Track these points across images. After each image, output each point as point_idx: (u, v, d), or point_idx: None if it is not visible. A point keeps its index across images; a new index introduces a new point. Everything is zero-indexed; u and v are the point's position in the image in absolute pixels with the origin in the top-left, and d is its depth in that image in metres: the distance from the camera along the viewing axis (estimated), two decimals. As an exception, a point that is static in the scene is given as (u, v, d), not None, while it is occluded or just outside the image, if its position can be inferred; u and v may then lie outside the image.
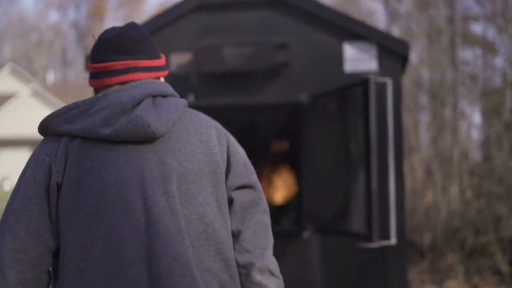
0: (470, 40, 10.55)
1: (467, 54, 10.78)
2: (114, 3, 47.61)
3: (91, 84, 1.78)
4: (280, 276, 1.76)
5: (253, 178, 1.78)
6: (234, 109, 4.28)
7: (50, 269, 1.67)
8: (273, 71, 4.17)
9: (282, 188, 4.92)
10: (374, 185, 3.41)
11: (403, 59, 4.15)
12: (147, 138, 1.65)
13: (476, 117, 13.44)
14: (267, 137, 4.63)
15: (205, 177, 1.69)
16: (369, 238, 3.43)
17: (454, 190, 9.01)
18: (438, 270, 7.70)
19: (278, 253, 3.89)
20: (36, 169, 1.65)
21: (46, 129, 1.70)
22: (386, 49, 4.09)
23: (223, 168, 1.73)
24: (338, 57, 4.16)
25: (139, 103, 1.66)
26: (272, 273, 1.75)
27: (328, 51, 4.17)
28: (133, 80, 1.72)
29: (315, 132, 3.96)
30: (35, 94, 26.06)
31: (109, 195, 1.61)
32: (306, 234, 4.13)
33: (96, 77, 1.75)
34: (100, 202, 1.61)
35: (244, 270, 1.72)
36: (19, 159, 23.37)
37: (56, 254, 1.65)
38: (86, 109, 1.67)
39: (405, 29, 11.17)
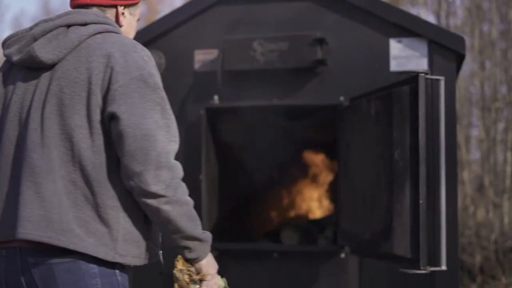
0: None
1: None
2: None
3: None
4: (169, 194, 1.84)
5: (124, 108, 1.84)
6: (264, 112, 3.73)
7: None
8: (309, 69, 3.60)
9: (319, 201, 4.35)
10: (423, 200, 2.81)
11: (458, 57, 3.55)
12: (41, 65, 1.91)
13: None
14: (302, 144, 4.06)
15: (81, 102, 1.86)
16: (415, 264, 2.82)
17: (506, 207, 8.44)
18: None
19: (313, 274, 3.32)
20: None
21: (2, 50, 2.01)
22: (438, 45, 3.48)
23: (100, 95, 1.86)
24: (384, 55, 3.57)
25: (49, 32, 1.93)
26: (155, 196, 1.84)
27: (372, 48, 3.59)
28: (81, 5, 2.01)
29: (355, 138, 3.37)
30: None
31: (8, 111, 1.94)
32: (343, 254, 3.55)
33: None
34: (3, 116, 1.96)
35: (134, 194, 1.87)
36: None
37: None
38: (21, 37, 1.96)
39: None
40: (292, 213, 4.40)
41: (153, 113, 1.88)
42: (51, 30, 1.93)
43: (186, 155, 3.71)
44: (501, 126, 9.42)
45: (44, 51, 1.90)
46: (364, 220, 3.21)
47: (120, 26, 2.14)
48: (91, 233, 1.85)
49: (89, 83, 1.86)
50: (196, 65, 3.76)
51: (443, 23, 10.95)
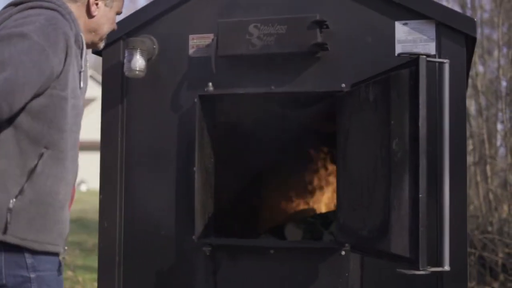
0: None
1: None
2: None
3: None
4: None
5: None
6: (261, 100, 3.46)
7: None
8: (309, 54, 3.31)
9: (323, 194, 4.08)
10: (423, 195, 2.52)
11: (469, 41, 3.24)
12: None
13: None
14: (302, 133, 3.77)
15: None
16: (414, 264, 2.54)
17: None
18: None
19: (311, 272, 3.04)
20: None
21: None
22: (447, 28, 3.17)
23: None
24: (389, 39, 3.28)
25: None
26: None
27: (376, 31, 3.29)
28: None
29: (353, 127, 3.08)
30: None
31: None
32: (343, 251, 3.27)
33: None
34: None
35: None
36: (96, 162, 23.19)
37: None
38: None
39: (486, 37, 10.24)
40: (295, 208, 4.13)
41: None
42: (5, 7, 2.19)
43: (179, 145, 3.47)
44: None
45: None
46: (362, 215, 2.92)
47: (92, 16, 2.27)
48: None
49: None
50: (190, 51, 3.50)
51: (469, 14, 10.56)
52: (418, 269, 2.50)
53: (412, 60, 2.60)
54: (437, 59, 2.74)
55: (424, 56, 2.55)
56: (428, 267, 2.54)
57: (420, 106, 2.52)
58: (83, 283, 6.98)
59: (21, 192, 1.98)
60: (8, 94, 1.86)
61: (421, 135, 2.52)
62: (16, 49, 1.93)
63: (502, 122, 9.36)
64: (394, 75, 2.68)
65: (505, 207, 8.11)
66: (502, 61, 9.69)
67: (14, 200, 1.97)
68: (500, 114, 9.63)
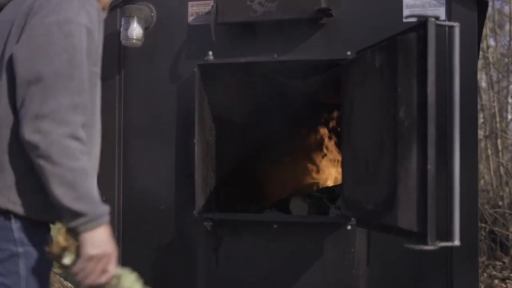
0: None
1: None
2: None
3: None
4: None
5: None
6: (263, 69, 3.29)
7: None
8: (312, 20, 3.14)
9: (330, 168, 3.91)
10: (432, 166, 2.35)
11: (481, 5, 3.05)
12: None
13: None
14: (305, 104, 3.60)
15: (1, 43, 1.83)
16: (423, 238, 2.37)
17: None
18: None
19: (316, 247, 2.88)
20: None
21: None
22: (458, -9, 3.00)
23: (14, 40, 1.80)
24: (396, 3, 3.10)
25: None
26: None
27: (383, -5, 3.12)
28: None
29: (358, 96, 2.91)
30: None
31: None
32: (349, 226, 3.12)
33: None
34: None
35: None
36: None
37: None
38: None
39: (497, 10, 9.98)
40: (300, 181, 3.97)
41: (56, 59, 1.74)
42: None
43: (178, 117, 3.32)
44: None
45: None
46: (368, 188, 2.76)
47: None
48: None
49: (11, 26, 1.84)
50: (189, 19, 3.33)
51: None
52: (426, 244, 2.33)
53: (420, 23, 2.41)
54: (447, 23, 2.54)
55: (433, 19, 2.36)
56: (437, 241, 2.37)
57: (429, 72, 2.33)
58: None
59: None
60: None
61: (429, 102, 2.33)
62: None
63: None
64: (401, 39, 2.50)
65: (517, 181, 7.92)
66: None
67: None
68: (511, 87, 9.42)
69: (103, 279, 1.77)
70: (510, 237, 7.00)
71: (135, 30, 3.24)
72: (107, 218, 1.79)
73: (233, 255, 3.26)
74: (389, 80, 2.56)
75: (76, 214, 1.73)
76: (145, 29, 3.30)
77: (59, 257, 1.77)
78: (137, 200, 3.34)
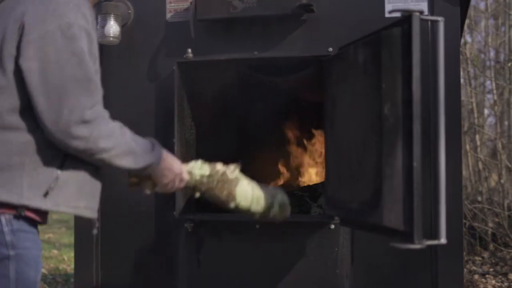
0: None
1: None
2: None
3: None
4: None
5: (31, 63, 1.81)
6: (243, 66, 3.23)
7: None
8: (293, 17, 3.09)
9: (311, 166, 3.86)
10: (417, 163, 2.30)
11: (463, 1, 3.01)
12: None
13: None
14: (287, 102, 3.55)
15: None
16: (408, 237, 2.33)
17: (521, 172, 7.87)
18: (504, 261, 6.53)
19: (299, 247, 2.83)
20: None
21: None
22: (440, -14, 2.96)
23: (12, 46, 1.84)
24: (378, -2, 3.06)
25: None
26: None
27: (365, -10, 3.07)
28: None
29: (341, 92, 2.86)
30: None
31: None
32: (333, 225, 3.07)
33: None
34: None
35: None
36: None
37: None
38: None
39: (473, 7, 10.04)
40: (281, 180, 3.91)
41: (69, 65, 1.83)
42: None
43: (157, 116, 3.26)
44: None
45: None
46: (352, 186, 2.71)
47: None
48: None
49: (6, 31, 1.89)
50: (168, 15, 3.26)
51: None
52: (413, 243, 2.29)
53: (405, 18, 2.36)
54: (431, 17, 2.50)
55: (418, 13, 2.31)
56: (424, 240, 2.33)
57: (414, 67, 2.28)
58: (68, 261, 6.78)
59: (64, 161, 1.96)
60: None
61: (415, 98, 2.29)
62: None
63: (490, 91, 9.20)
64: (385, 34, 2.45)
65: (494, 176, 7.95)
66: (490, 31, 9.53)
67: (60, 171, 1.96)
68: (488, 82, 9.47)
69: (182, 185, 2.22)
70: (489, 232, 7.02)
71: (112, 28, 3.17)
72: (161, 151, 2.11)
73: (215, 256, 3.20)
74: (373, 77, 2.51)
75: (144, 168, 2.03)
76: (122, 27, 3.23)
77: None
78: (117, 201, 3.26)
